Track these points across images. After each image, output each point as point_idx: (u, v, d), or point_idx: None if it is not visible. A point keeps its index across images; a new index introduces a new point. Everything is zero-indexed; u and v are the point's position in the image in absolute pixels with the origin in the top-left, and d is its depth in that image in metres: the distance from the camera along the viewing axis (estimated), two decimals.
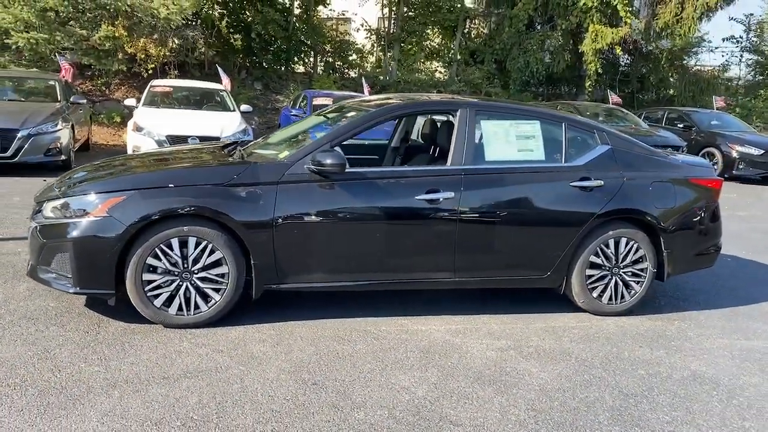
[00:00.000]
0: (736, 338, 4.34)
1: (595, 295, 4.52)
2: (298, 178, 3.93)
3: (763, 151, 13.89)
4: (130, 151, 9.36)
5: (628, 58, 23.71)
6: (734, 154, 14.08)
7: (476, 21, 24.38)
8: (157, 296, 3.77)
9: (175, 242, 3.72)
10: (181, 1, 14.24)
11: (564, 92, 23.90)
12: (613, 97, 18.07)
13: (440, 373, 3.49)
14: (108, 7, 14.07)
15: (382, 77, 21.13)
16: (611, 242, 4.46)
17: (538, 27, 22.57)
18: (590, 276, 4.48)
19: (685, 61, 24.68)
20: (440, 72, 24.04)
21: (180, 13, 14.33)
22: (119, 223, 3.62)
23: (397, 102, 4.80)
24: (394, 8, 22.15)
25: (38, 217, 3.92)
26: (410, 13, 22.37)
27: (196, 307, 3.84)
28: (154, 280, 3.74)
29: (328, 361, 3.53)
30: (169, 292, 3.78)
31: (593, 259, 4.45)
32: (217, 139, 9.19)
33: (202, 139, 9.15)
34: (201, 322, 3.86)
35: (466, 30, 23.74)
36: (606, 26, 20.13)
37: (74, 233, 3.66)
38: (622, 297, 4.57)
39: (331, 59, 21.87)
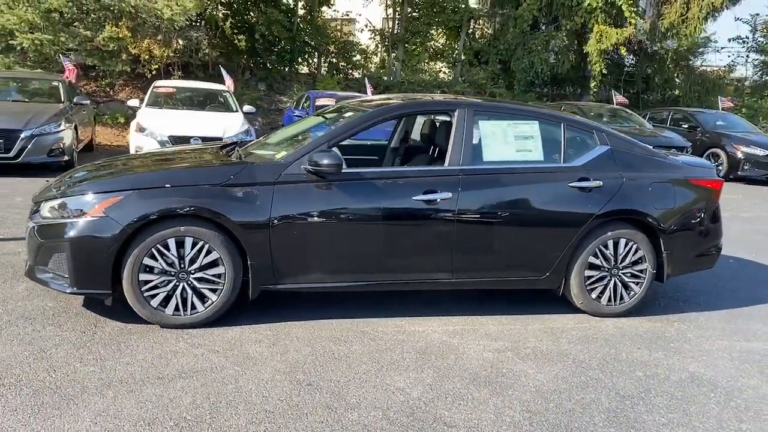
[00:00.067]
0: (735, 340, 4.31)
1: (594, 296, 4.50)
2: (295, 178, 3.93)
3: None
4: (132, 152, 9.38)
5: (633, 59, 23.63)
6: (739, 155, 14.00)
7: (480, 21, 24.37)
8: (153, 296, 3.77)
9: (171, 242, 3.72)
10: (185, 1, 14.27)
11: (569, 93, 23.83)
12: (618, 98, 18.01)
13: (436, 374, 3.47)
14: (112, 8, 14.12)
15: (386, 78, 21.12)
16: (610, 243, 4.44)
17: (543, 27, 22.53)
18: (589, 277, 4.46)
19: (690, 62, 24.58)
20: (444, 72, 24.02)
21: (183, 14, 14.37)
22: (116, 224, 3.63)
23: (395, 102, 4.80)
24: (398, 9, 22.15)
25: (36, 217, 3.92)
26: (414, 14, 22.36)
27: (193, 307, 3.84)
28: (151, 281, 3.74)
29: (324, 362, 3.53)
30: (166, 293, 3.78)
31: (592, 260, 4.43)
32: (220, 139, 9.20)
33: (205, 139, 9.18)
34: (197, 323, 3.86)
35: (471, 30, 23.72)
36: (611, 27, 20.06)
37: (71, 233, 3.67)
38: (621, 298, 4.55)
39: (335, 60, 21.88)
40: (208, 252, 3.78)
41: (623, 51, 20.95)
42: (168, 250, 3.72)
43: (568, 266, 4.42)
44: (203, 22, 17.83)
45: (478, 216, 4.18)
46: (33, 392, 2.98)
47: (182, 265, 3.77)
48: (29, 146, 8.97)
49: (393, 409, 3.05)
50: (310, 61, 21.93)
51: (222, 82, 13.70)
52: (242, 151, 4.55)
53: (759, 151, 13.88)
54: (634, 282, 4.54)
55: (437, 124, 5.14)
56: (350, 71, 22.14)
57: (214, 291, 3.86)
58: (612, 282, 4.50)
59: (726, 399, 3.41)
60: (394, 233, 4.10)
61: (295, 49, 20.20)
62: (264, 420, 2.88)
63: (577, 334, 4.22)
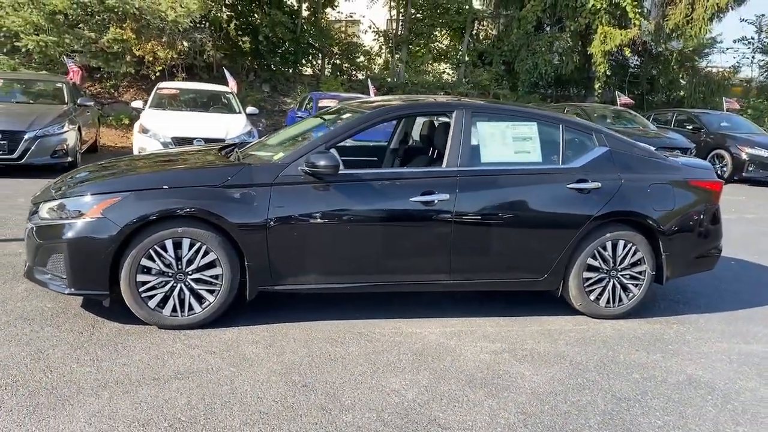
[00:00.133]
0: (735, 342, 4.29)
1: (592, 298, 4.49)
2: (293, 179, 3.93)
3: None
4: (136, 153, 9.41)
5: (637, 60, 23.56)
6: (744, 156, 13.95)
7: (484, 22, 24.34)
8: (151, 297, 3.78)
9: (169, 243, 3.73)
10: (189, 3, 14.32)
11: (573, 94, 23.78)
12: (622, 98, 17.97)
13: (432, 375, 3.47)
14: (116, 10, 14.18)
15: (389, 79, 21.13)
16: (609, 245, 4.43)
17: (547, 28, 22.48)
18: (587, 279, 4.45)
19: (695, 63, 24.48)
20: (448, 74, 24.01)
21: (188, 15, 14.41)
22: (114, 225, 3.64)
23: (392, 104, 4.80)
24: (401, 10, 22.16)
25: (35, 218, 3.94)
26: (418, 15, 22.38)
27: (190, 308, 3.85)
28: (149, 282, 3.75)
29: (320, 363, 3.53)
30: (163, 294, 3.79)
31: (590, 261, 4.42)
32: (223, 140, 9.23)
33: (208, 140, 9.19)
34: (195, 324, 3.87)
35: (474, 31, 23.71)
36: (615, 28, 20.03)
37: (69, 234, 3.68)
38: (620, 300, 4.54)
39: (338, 61, 21.91)
40: (206, 253, 3.79)
41: (627, 52, 20.90)
42: (165, 251, 3.74)
43: (567, 268, 4.41)
44: (207, 23, 17.88)
45: (476, 217, 4.18)
46: (29, 393, 2.99)
47: (180, 266, 3.78)
48: (33, 147, 9.02)
49: (387, 411, 3.05)
50: (314, 63, 21.97)
51: (226, 83, 13.74)
52: (241, 152, 4.56)
53: (764, 153, 13.83)
54: (632, 284, 4.52)
55: (436, 125, 5.14)
56: (354, 73, 22.16)
57: (211, 292, 3.86)
58: (611, 284, 4.49)
59: (723, 402, 3.40)
60: (391, 234, 4.10)
61: (299, 51, 20.24)
62: (258, 421, 2.88)
63: (575, 336, 4.21)
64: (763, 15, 25.10)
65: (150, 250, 3.71)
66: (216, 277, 3.84)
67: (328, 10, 21.83)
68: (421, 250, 4.18)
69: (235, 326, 3.95)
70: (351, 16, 22.83)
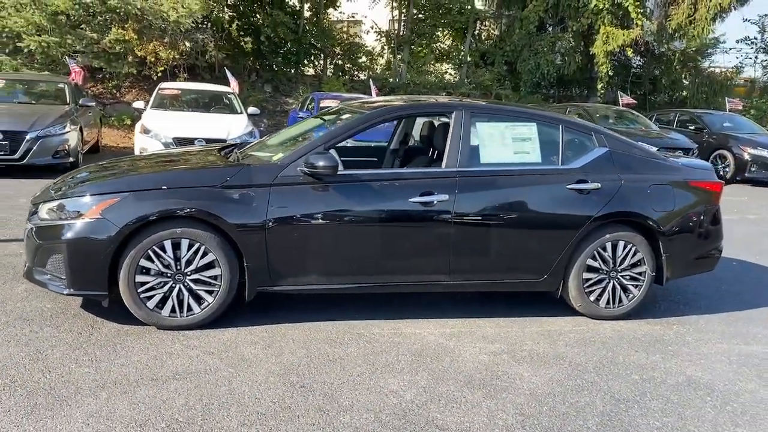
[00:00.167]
0: (735, 343, 4.28)
1: (592, 298, 4.48)
2: (292, 180, 3.93)
3: None
4: (137, 153, 9.42)
5: (639, 60, 23.51)
6: (746, 157, 13.91)
7: (486, 23, 24.30)
8: (150, 298, 3.78)
9: (167, 244, 3.74)
10: (191, 4, 14.33)
11: (575, 94, 23.74)
12: (625, 99, 17.93)
13: (430, 376, 3.47)
14: (118, 11, 14.19)
15: (391, 79, 21.12)
16: (609, 245, 4.42)
17: (549, 29, 22.45)
18: (587, 280, 4.44)
19: (698, 63, 24.42)
20: (450, 74, 23.99)
21: (189, 16, 14.42)
22: (112, 225, 3.64)
23: (392, 104, 4.80)
24: (404, 10, 22.15)
25: (34, 218, 3.96)
26: (420, 16, 22.36)
27: (189, 309, 3.85)
28: (147, 282, 3.76)
29: (318, 364, 3.53)
30: (162, 294, 3.80)
31: (590, 262, 4.41)
32: (224, 141, 9.23)
33: (209, 141, 9.20)
34: (194, 324, 3.87)
35: (477, 32, 23.68)
36: (617, 28, 20.00)
37: (68, 235, 3.69)
38: (620, 301, 4.53)
39: (340, 62, 21.90)
40: (205, 254, 3.79)
41: (630, 52, 20.88)
42: (164, 251, 3.74)
43: (566, 269, 4.40)
44: (209, 24, 17.90)
45: (475, 218, 4.18)
46: (27, 393, 2.99)
47: (178, 267, 3.78)
48: (34, 148, 9.03)
49: (385, 412, 3.05)
50: (316, 63, 21.97)
51: (228, 84, 13.75)
52: (240, 153, 4.56)
53: (766, 153, 13.79)
54: (632, 285, 4.51)
55: (436, 125, 5.13)
56: (356, 73, 22.16)
57: (210, 293, 3.87)
58: (610, 285, 4.48)
59: (722, 403, 3.39)
60: (390, 235, 4.10)
61: (301, 51, 20.25)
62: (255, 422, 2.88)
63: (575, 337, 4.20)
64: (766, 15, 25.03)
65: (149, 251, 3.71)
66: (215, 277, 3.84)
67: (330, 10, 21.81)
68: (420, 250, 4.17)
69: (233, 327, 3.96)
70: (353, 17, 22.82)
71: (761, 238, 8.02)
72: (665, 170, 4.66)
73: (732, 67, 25.22)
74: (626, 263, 4.47)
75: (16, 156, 8.95)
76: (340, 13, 22.36)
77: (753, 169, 13.86)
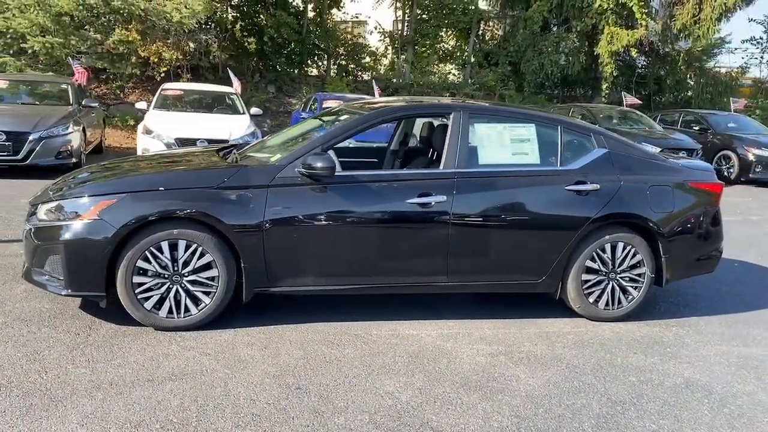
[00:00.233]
0: (734, 345, 4.26)
1: (591, 300, 4.47)
2: (289, 181, 3.93)
3: None
4: (139, 154, 9.44)
5: (644, 60, 23.44)
6: (751, 157, 13.84)
7: (490, 23, 24.28)
8: (147, 299, 3.79)
9: (165, 245, 3.74)
10: (194, 5, 14.36)
11: (579, 94, 23.67)
12: (629, 99, 17.87)
13: (427, 378, 3.46)
14: (122, 12, 14.23)
15: (395, 80, 21.12)
16: (608, 247, 4.40)
17: (553, 29, 22.40)
18: (586, 281, 4.42)
19: (704, 62, 24.31)
20: (454, 74, 23.95)
21: (193, 16, 14.45)
22: (110, 226, 3.65)
23: (390, 105, 4.80)
24: (407, 11, 22.14)
25: (33, 219, 3.97)
26: (424, 16, 22.34)
27: (186, 310, 3.86)
28: (145, 283, 3.76)
29: (315, 366, 3.53)
30: (160, 295, 3.80)
31: (589, 263, 4.40)
32: (226, 141, 9.24)
33: (211, 141, 9.20)
34: (191, 325, 3.87)
35: (480, 32, 23.65)
36: (621, 28, 19.94)
37: (66, 236, 3.70)
38: (619, 302, 4.51)
39: (344, 62, 21.91)
40: (202, 255, 3.80)
41: (634, 53, 20.80)
42: (161, 252, 3.74)
43: (565, 270, 4.39)
44: (213, 24, 17.94)
45: (473, 219, 4.17)
46: (23, 394, 3.00)
47: (176, 268, 3.79)
48: (37, 148, 9.06)
49: (380, 414, 3.04)
50: (320, 64, 21.97)
51: (231, 84, 13.78)
52: (239, 154, 4.56)
53: None
54: (632, 286, 4.50)
55: (435, 126, 5.13)
56: (359, 73, 22.16)
57: (207, 294, 3.87)
58: (610, 286, 4.47)
59: (720, 405, 3.37)
60: (388, 236, 4.09)
61: (305, 52, 20.25)
62: (250, 423, 2.88)
63: (573, 339, 4.19)
64: None
65: (146, 252, 3.72)
66: (212, 278, 3.84)
67: (334, 11, 21.81)
68: (418, 252, 4.17)
69: (231, 328, 3.96)
70: (357, 17, 22.82)
71: (764, 240, 7.99)
72: (665, 171, 4.64)
73: (737, 68, 25.11)
74: (625, 265, 4.45)
75: (19, 157, 8.98)
76: (344, 13, 22.36)
77: (758, 169, 13.79)
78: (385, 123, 4.68)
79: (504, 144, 4.39)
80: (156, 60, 15.30)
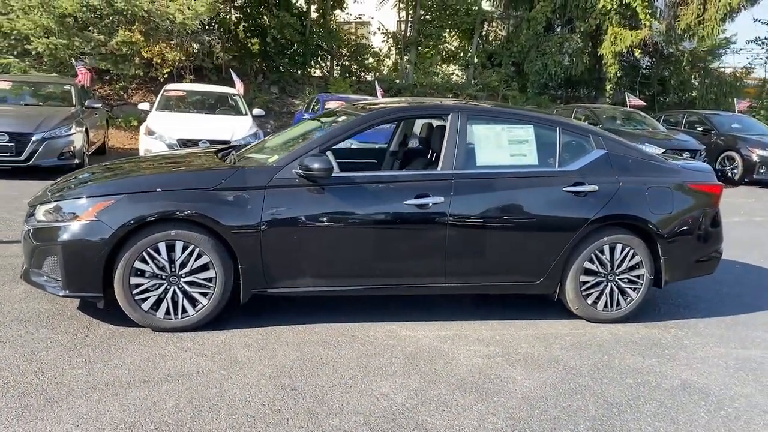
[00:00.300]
0: (733, 347, 4.24)
1: (589, 301, 4.45)
2: (287, 182, 3.94)
3: None
4: (142, 155, 9.46)
5: (648, 61, 23.38)
6: (755, 158, 13.79)
7: (494, 24, 24.25)
8: (144, 300, 3.80)
9: (162, 246, 3.75)
10: (197, 6, 14.40)
11: (583, 95, 23.64)
12: (632, 100, 17.82)
13: (423, 379, 3.46)
14: (125, 13, 14.28)
15: (398, 81, 21.12)
16: (606, 248, 4.39)
17: (557, 29, 22.37)
18: (585, 282, 4.41)
19: (708, 63, 24.22)
20: (457, 75, 23.96)
21: (196, 17, 14.49)
22: (107, 227, 3.66)
23: (389, 106, 4.80)
24: (410, 11, 22.14)
25: (31, 220, 3.98)
26: (427, 17, 22.33)
27: (184, 311, 3.86)
28: (142, 284, 3.77)
29: (311, 367, 3.53)
30: (157, 296, 3.81)
31: (587, 265, 4.39)
32: (228, 142, 9.25)
33: (213, 142, 9.21)
34: (188, 326, 3.88)
35: (484, 33, 23.63)
36: (625, 28, 19.90)
37: (64, 237, 3.71)
38: (618, 304, 4.50)
39: (347, 63, 21.93)
40: (199, 256, 3.80)
41: (638, 53, 20.76)
42: (159, 253, 3.75)
43: (563, 271, 4.38)
44: (216, 25, 17.97)
45: (471, 220, 4.16)
46: (19, 394, 3.01)
47: (173, 269, 3.79)
48: (40, 149, 9.09)
49: (375, 415, 3.04)
50: (323, 64, 22.00)
51: (234, 85, 13.81)
52: (237, 155, 4.57)
53: None
54: (631, 288, 4.48)
55: (434, 128, 5.12)
56: (363, 74, 22.17)
57: (204, 295, 3.87)
58: (608, 288, 4.45)
59: (717, 407, 3.36)
60: (386, 237, 4.09)
61: (308, 53, 20.28)
62: (244, 424, 2.88)
63: (571, 341, 4.18)
64: None
65: (143, 253, 3.73)
66: (209, 279, 3.85)
67: (337, 11, 21.86)
68: (416, 253, 4.17)
69: (228, 329, 3.96)
70: (360, 18, 22.83)
71: (767, 241, 7.95)
72: (664, 172, 4.63)
73: (742, 68, 25.02)
74: (624, 266, 4.44)
75: (22, 157, 9.01)
76: (347, 14, 22.39)
77: (762, 170, 13.74)
78: (383, 124, 4.68)
79: (502, 145, 4.39)
80: (159, 61, 15.34)
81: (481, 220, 4.18)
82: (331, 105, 12.38)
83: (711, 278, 5.33)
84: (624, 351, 4.05)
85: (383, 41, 22.88)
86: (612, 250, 4.40)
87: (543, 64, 20.89)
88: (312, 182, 3.93)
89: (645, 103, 18.65)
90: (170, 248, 3.76)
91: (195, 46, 16.33)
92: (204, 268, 3.83)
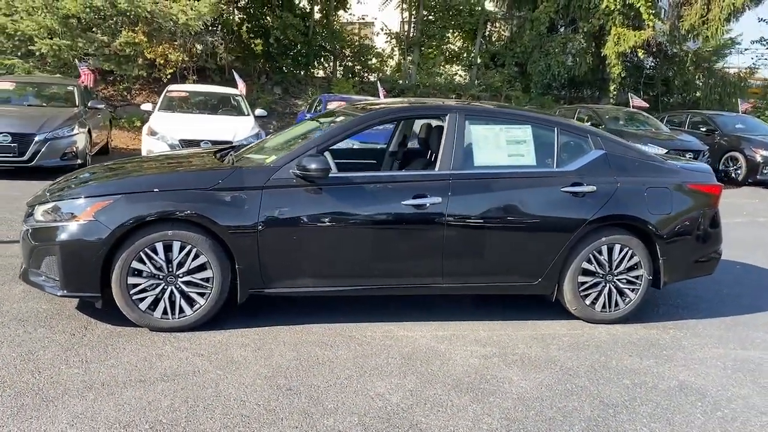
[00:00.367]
0: (731, 348, 4.23)
1: (588, 302, 4.44)
2: (284, 182, 3.94)
3: None
4: (144, 155, 9.49)
5: (652, 61, 23.32)
6: (758, 159, 13.74)
7: (497, 24, 24.23)
8: (142, 300, 3.81)
9: (159, 246, 3.76)
10: (200, 7, 14.43)
11: (587, 95, 23.59)
12: (636, 101, 17.76)
13: (418, 380, 3.46)
14: (128, 14, 14.33)
15: (401, 81, 21.12)
16: (604, 249, 4.38)
17: (560, 30, 22.35)
18: (583, 283, 4.40)
19: (712, 63, 24.14)
20: (460, 75, 23.94)
21: (199, 18, 14.53)
22: (105, 227, 3.67)
23: (387, 107, 4.81)
24: (414, 12, 22.15)
25: (30, 220, 4.00)
26: (430, 17, 22.34)
27: (181, 311, 3.87)
28: (139, 284, 3.78)
29: (307, 367, 3.53)
30: (154, 296, 3.82)
31: (586, 265, 4.38)
32: (230, 143, 9.27)
33: (215, 143, 9.23)
34: (185, 326, 3.89)
35: (487, 33, 23.61)
36: (629, 29, 19.86)
37: (62, 237, 3.73)
38: (616, 304, 4.49)
39: (350, 63, 21.94)
40: (196, 256, 3.81)
41: (641, 53, 20.71)
42: (156, 253, 3.76)
43: (561, 272, 4.37)
44: (219, 26, 18.01)
45: (468, 221, 4.16)
46: (15, 394, 3.02)
47: (170, 269, 3.80)
48: (43, 150, 9.14)
49: (370, 415, 3.04)
50: (326, 65, 22.02)
51: (236, 86, 13.84)
52: (235, 155, 4.58)
53: None
54: (629, 288, 4.47)
55: (432, 128, 5.12)
56: (366, 75, 22.17)
57: (202, 295, 3.88)
58: (606, 288, 4.44)
59: (713, 409, 3.35)
60: (383, 238, 4.09)
61: (311, 53, 20.30)
62: (239, 424, 2.89)
63: (568, 341, 4.17)
64: None
65: (141, 253, 3.74)
66: (206, 279, 3.86)
67: (340, 12, 21.87)
68: (413, 253, 4.16)
69: (225, 329, 3.97)
70: (363, 19, 22.84)
71: None
72: (663, 173, 4.61)
73: (746, 68, 24.94)
74: (622, 267, 4.43)
75: (25, 158, 9.05)
76: (350, 15, 22.40)
77: (765, 171, 13.69)
78: (381, 125, 4.69)
79: (500, 145, 4.38)
80: (162, 62, 15.39)
81: (479, 221, 4.18)
82: (333, 106, 12.40)
83: (711, 279, 5.31)
84: (621, 352, 4.05)
85: (386, 42, 22.88)
86: (610, 251, 4.40)
87: (546, 65, 20.86)
88: (309, 182, 3.94)
89: (648, 104, 18.60)
90: (168, 248, 3.77)
91: (198, 46, 16.38)
92: (201, 268, 3.84)
